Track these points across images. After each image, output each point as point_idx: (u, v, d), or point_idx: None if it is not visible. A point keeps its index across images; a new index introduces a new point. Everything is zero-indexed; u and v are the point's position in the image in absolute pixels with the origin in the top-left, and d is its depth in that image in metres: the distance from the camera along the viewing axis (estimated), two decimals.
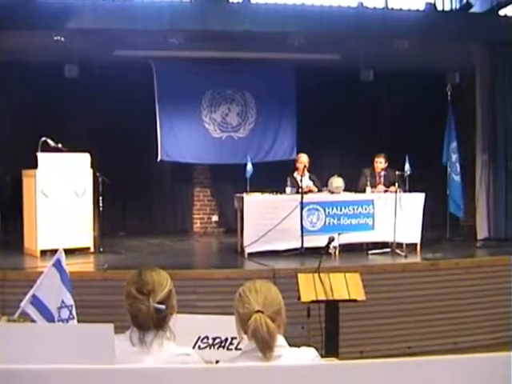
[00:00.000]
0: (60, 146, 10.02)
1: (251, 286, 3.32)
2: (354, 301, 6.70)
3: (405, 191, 10.91)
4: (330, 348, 6.60)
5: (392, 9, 12.13)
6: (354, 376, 2.17)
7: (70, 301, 5.15)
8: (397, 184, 10.83)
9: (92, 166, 10.60)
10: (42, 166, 10.10)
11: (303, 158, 11.53)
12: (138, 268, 3.43)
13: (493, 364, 2.25)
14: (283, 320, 3.34)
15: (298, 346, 3.32)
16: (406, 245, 10.66)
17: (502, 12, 12.28)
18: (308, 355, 3.26)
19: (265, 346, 3.10)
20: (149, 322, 3.23)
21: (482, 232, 12.39)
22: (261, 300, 3.22)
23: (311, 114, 14.22)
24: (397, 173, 11.00)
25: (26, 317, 4.90)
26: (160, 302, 3.22)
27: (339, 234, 10.41)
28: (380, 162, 11.74)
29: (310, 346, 3.39)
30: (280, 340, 3.23)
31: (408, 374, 2.22)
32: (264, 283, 3.39)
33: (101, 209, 10.91)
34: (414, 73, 13.86)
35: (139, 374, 1.94)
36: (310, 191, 11.18)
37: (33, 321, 4.88)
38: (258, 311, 3.17)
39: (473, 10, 12.08)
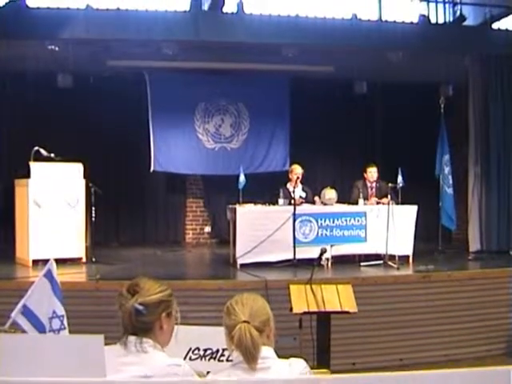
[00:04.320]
0: (53, 155, 9.98)
1: (238, 299, 3.34)
2: (346, 312, 6.68)
3: (397, 203, 10.92)
4: (322, 360, 6.58)
5: (386, 21, 12.17)
6: None
7: (61, 311, 5.13)
8: (389, 196, 10.84)
9: (85, 176, 10.58)
10: (35, 176, 10.09)
11: (297, 170, 11.54)
12: (130, 278, 3.43)
13: (492, 378, 2.24)
14: (272, 331, 3.34)
15: (289, 358, 3.32)
16: (399, 257, 10.63)
17: (495, 25, 12.33)
18: (297, 367, 3.25)
19: (249, 356, 3.11)
20: (128, 322, 3.23)
21: (474, 244, 12.41)
22: (247, 311, 3.23)
23: (304, 126, 14.26)
24: (389, 185, 11.01)
25: (16, 327, 4.89)
26: (143, 306, 3.22)
27: (331, 246, 10.42)
28: (373, 172, 11.79)
29: (301, 357, 3.38)
30: (269, 351, 3.23)
31: None
32: (251, 295, 3.40)
33: (93, 219, 10.90)
34: (407, 85, 13.90)
35: None
36: (302, 203, 11.19)
37: (24, 331, 4.86)
38: (244, 322, 3.17)
39: (466, 22, 12.12)
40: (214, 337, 4.32)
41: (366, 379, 2.13)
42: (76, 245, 10.50)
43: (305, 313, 6.61)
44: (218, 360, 4.58)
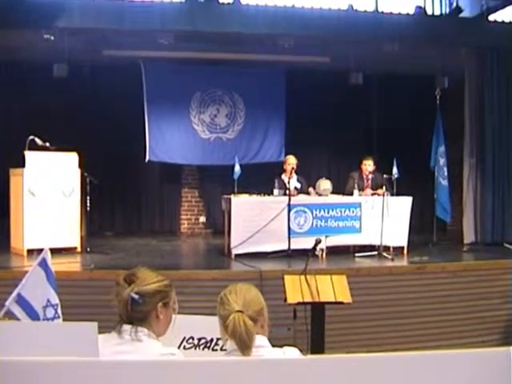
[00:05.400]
0: (48, 144, 9.96)
1: (231, 289, 3.36)
2: (340, 303, 6.68)
3: (392, 195, 10.94)
4: (316, 350, 6.59)
5: (382, 12, 12.15)
6: (338, 370, 2.15)
7: (55, 300, 5.14)
8: (384, 187, 10.85)
9: (80, 166, 10.57)
10: (30, 165, 10.06)
11: (291, 160, 11.53)
12: (124, 268, 3.44)
13: (492, 359, 2.23)
14: (266, 320, 3.36)
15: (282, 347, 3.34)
16: (393, 248, 10.67)
17: (491, 17, 12.31)
18: (291, 355, 3.26)
19: (243, 345, 3.12)
20: (124, 311, 3.25)
21: (468, 236, 12.43)
22: (240, 301, 3.26)
23: (300, 116, 14.25)
24: (384, 176, 11.03)
25: (11, 316, 4.89)
26: (139, 295, 3.23)
27: (326, 237, 10.44)
28: (368, 165, 11.77)
29: (295, 347, 3.40)
30: (262, 340, 3.25)
31: (402, 369, 2.19)
32: (244, 285, 3.42)
33: (88, 209, 10.88)
34: (403, 76, 13.90)
35: (120, 367, 1.94)
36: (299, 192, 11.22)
37: (18, 320, 4.86)
38: (238, 311, 3.19)
39: (462, 14, 12.09)
40: (208, 326, 4.32)
41: (362, 360, 2.13)
42: (71, 234, 10.49)
43: (299, 303, 6.62)
44: (212, 349, 4.58)
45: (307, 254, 7.37)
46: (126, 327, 3.24)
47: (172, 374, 1.92)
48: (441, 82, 13.13)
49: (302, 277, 6.64)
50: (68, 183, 10.44)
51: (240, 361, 2.43)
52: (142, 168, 14.18)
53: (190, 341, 4.58)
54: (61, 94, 12.78)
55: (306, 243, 9.54)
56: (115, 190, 14.28)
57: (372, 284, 9.31)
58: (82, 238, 10.79)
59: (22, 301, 4.97)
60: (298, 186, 11.43)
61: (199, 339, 4.60)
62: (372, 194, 11.41)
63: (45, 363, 1.92)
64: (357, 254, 10.70)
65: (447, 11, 12.67)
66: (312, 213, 10.76)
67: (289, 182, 10.92)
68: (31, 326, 3.43)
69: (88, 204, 10.82)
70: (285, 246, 10.41)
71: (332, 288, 6.67)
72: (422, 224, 13.80)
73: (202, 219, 15.13)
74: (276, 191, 10.94)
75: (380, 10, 12.24)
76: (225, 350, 3.41)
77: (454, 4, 12.27)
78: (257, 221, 10.36)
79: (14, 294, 4.96)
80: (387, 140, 14.55)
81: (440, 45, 12.16)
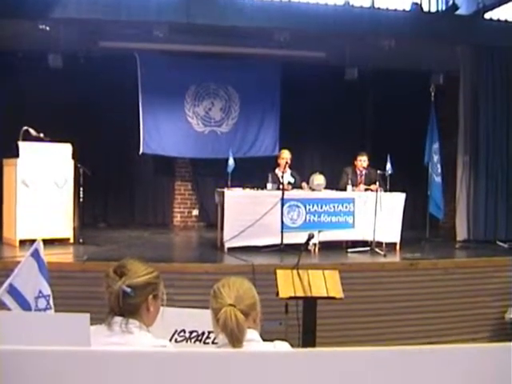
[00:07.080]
0: (42, 135, 9.94)
1: (224, 282, 3.37)
2: (332, 298, 6.67)
3: (386, 190, 10.94)
4: (307, 345, 6.58)
5: (378, 8, 12.13)
6: (329, 364, 2.14)
7: (47, 291, 5.13)
8: (378, 183, 10.87)
9: (73, 157, 10.55)
10: (23, 156, 10.03)
11: (285, 155, 11.54)
12: (117, 260, 3.43)
13: (492, 354, 2.22)
14: (259, 315, 3.36)
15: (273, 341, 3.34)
16: (386, 244, 10.67)
17: (487, 15, 12.32)
18: (282, 348, 3.26)
19: (234, 339, 3.13)
20: (115, 304, 3.25)
21: (461, 233, 12.45)
22: (233, 294, 3.26)
23: (295, 111, 14.24)
24: (378, 172, 11.03)
25: (2, 306, 4.88)
26: (131, 288, 3.23)
27: (319, 232, 10.42)
28: (363, 161, 11.78)
29: (286, 341, 3.40)
30: (253, 334, 3.26)
31: (398, 363, 2.18)
32: (237, 279, 3.43)
33: (81, 200, 10.87)
34: (398, 72, 13.88)
35: (111, 357, 1.93)
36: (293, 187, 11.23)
37: (9, 310, 4.85)
38: (230, 305, 3.19)
39: (459, 12, 12.10)
40: (200, 319, 4.33)
41: (354, 354, 2.12)
42: (64, 225, 10.47)
43: (291, 298, 6.61)
44: (204, 342, 4.59)
45: (300, 248, 7.37)
46: (117, 319, 3.24)
47: (162, 364, 1.92)
48: (436, 79, 13.16)
49: (295, 271, 6.63)
50: (61, 174, 10.41)
51: (229, 353, 2.43)
52: (136, 160, 14.15)
53: (182, 334, 4.58)
54: (55, 85, 12.73)
55: (299, 238, 9.55)
56: (108, 182, 14.25)
57: (364, 280, 9.32)
58: (74, 229, 10.79)
59: (13, 291, 4.96)
60: (292, 180, 11.43)
61: (191, 332, 4.60)
62: (365, 190, 11.41)
63: (35, 352, 1.92)
64: (349, 250, 10.72)
65: (443, 8, 12.66)
66: (305, 207, 10.77)
67: (282, 177, 10.93)
68: (23, 317, 3.42)
69: (81, 195, 10.82)
70: (277, 241, 10.41)
71: (324, 283, 6.66)
72: (414, 220, 13.79)
73: (195, 212, 15.12)
74: (269, 185, 10.94)
75: (376, 6, 12.22)
76: (216, 343, 3.41)
77: (451, 1, 12.27)
78: (250, 215, 10.36)
79: (6, 284, 4.95)
80: (381, 136, 14.56)
81: (436, 42, 12.17)
